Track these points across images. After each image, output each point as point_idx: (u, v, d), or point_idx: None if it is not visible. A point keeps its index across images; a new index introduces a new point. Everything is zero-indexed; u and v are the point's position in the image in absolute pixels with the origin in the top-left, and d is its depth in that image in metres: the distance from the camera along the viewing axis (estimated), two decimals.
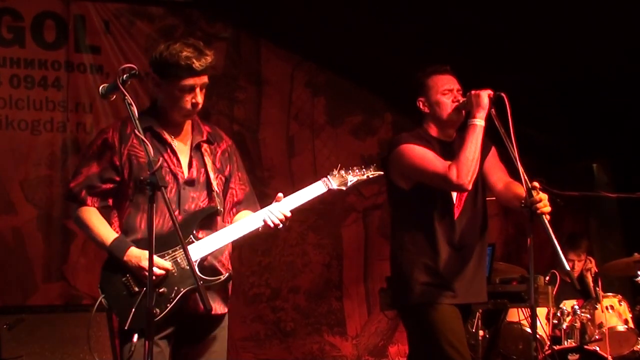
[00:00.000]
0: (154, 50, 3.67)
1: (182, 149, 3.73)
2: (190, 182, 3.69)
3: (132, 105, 3.25)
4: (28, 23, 6.45)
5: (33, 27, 6.47)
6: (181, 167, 3.68)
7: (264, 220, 3.64)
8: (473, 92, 4.02)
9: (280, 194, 3.69)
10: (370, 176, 3.93)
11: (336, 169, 3.85)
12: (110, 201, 3.70)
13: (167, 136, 3.69)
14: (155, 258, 3.39)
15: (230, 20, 7.13)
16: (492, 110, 3.94)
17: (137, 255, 3.49)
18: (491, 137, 4.07)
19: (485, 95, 3.95)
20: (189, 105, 3.62)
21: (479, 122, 3.97)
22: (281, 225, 3.67)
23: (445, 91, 4.18)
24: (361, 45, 6.79)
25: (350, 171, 3.87)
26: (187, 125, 3.77)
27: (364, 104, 7.69)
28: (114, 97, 3.37)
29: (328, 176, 3.83)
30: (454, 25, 5.94)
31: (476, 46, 6.01)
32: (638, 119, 6.60)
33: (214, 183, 3.71)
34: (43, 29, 6.48)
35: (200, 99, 3.63)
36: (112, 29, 6.67)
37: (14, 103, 6.36)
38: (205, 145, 3.78)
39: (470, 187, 4.04)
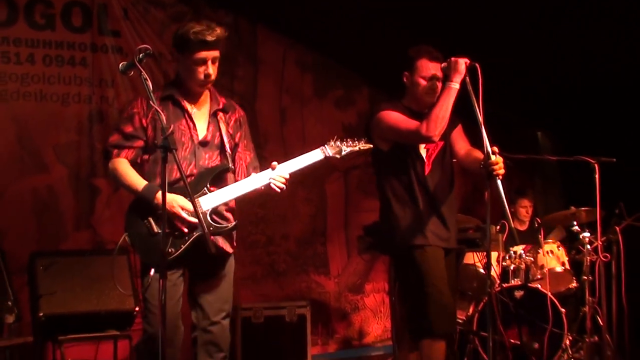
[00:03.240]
0: (172, 30, 3.69)
1: (200, 115, 3.77)
2: (204, 143, 3.74)
3: (147, 80, 3.29)
4: (58, 10, 6.35)
5: (62, 14, 6.37)
6: (196, 131, 3.73)
7: (270, 186, 3.66)
8: (453, 58, 4.03)
9: (274, 163, 3.70)
10: (362, 148, 3.93)
11: (332, 140, 3.87)
12: (139, 159, 3.73)
13: (185, 104, 3.74)
14: (188, 204, 3.46)
15: (230, 7, 7.06)
16: (467, 77, 3.92)
17: (167, 199, 3.45)
18: (460, 107, 4.07)
19: (462, 63, 3.97)
20: (201, 77, 3.65)
21: (454, 85, 3.97)
22: (284, 188, 3.70)
23: (427, 77, 4.20)
24: (344, 30, 6.74)
25: (344, 142, 3.88)
26: (205, 96, 3.81)
27: (345, 80, 7.64)
28: (132, 73, 3.37)
29: (325, 145, 3.85)
30: (426, 10, 5.86)
31: (444, 27, 5.91)
32: (576, 92, 6.61)
33: (227, 145, 3.76)
34: (71, 15, 6.39)
35: (211, 70, 3.65)
36: (130, 15, 6.57)
37: (47, 79, 6.29)
38: (220, 114, 3.81)
39: (437, 139, 4.07)
